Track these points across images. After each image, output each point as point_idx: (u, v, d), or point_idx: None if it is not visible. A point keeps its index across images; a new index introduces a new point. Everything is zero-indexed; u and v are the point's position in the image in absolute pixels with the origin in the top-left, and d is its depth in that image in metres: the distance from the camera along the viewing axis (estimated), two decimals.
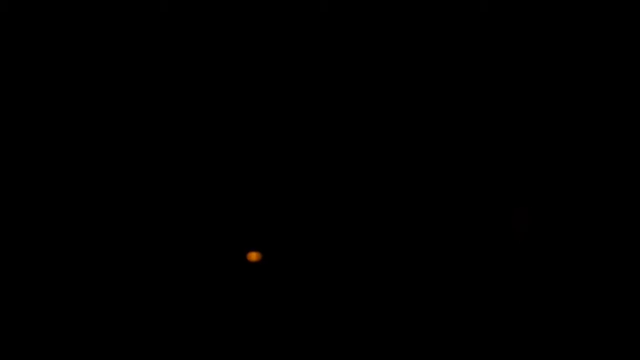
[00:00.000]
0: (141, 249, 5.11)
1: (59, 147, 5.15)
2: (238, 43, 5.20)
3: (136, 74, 5.20)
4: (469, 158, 5.13)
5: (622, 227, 4.95)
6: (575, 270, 4.94)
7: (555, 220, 5.02)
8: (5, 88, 5.11)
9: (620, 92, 5.05)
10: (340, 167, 5.14)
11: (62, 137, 5.15)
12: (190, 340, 4.95)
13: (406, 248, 5.03)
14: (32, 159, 5.11)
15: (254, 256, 5.08)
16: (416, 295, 4.95)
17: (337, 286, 5.00)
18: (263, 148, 5.21)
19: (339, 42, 5.16)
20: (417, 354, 4.83)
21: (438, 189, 5.12)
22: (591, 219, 4.99)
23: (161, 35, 5.18)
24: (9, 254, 5.03)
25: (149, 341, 4.93)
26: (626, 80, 5.04)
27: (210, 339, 4.95)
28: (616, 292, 4.86)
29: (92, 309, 4.98)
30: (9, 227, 5.05)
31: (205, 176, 5.21)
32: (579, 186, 5.04)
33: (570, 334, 4.81)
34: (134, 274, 5.07)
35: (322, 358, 4.86)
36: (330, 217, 5.10)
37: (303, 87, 5.17)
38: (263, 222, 5.12)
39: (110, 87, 5.19)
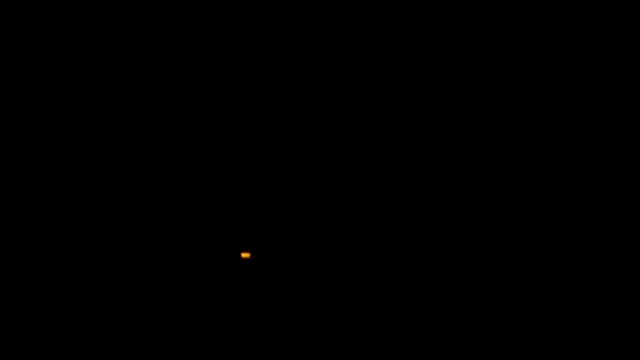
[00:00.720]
0: (136, 248, 5.11)
1: (59, 147, 5.14)
2: (238, 43, 5.20)
3: (136, 73, 5.20)
4: (469, 160, 5.13)
5: (620, 229, 4.95)
6: (574, 271, 4.94)
7: (555, 221, 5.02)
8: (5, 88, 5.11)
9: (619, 95, 5.04)
10: (338, 171, 5.14)
11: (62, 137, 5.15)
12: (185, 337, 4.96)
13: (405, 247, 5.03)
14: (32, 159, 5.11)
15: (246, 256, 5.09)
16: (414, 295, 4.96)
17: (334, 288, 5.01)
18: (260, 148, 5.21)
19: (339, 42, 5.16)
20: (415, 353, 4.83)
21: (438, 189, 5.12)
22: (590, 221, 4.99)
23: (161, 35, 5.18)
24: (9, 254, 5.03)
25: (145, 337, 4.93)
26: (626, 84, 5.03)
27: (205, 335, 4.95)
28: (615, 294, 4.86)
29: (90, 306, 4.99)
30: (9, 227, 5.05)
31: (201, 176, 5.21)
32: (578, 188, 5.04)
33: (570, 334, 4.81)
34: (129, 272, 5.07)
35: (317, 356, 4.87)
36: (329, 221, 5.10)
37: (302, 87, 5.17)
38: (257, 222, 5.12)
39: (110, 86, 5.18)
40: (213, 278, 5.09)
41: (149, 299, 5.04)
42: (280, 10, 5.15)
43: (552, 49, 5.08)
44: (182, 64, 5.20)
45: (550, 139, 5.07)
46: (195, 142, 5.23)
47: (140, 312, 5.00)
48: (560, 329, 4.82)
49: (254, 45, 5.20)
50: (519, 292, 4.92)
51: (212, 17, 5.17)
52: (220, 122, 5.23)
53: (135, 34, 5.16)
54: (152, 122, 5.22)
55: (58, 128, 5.15)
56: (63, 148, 5.15)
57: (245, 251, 5.11)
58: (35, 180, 5.11)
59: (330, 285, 5.00)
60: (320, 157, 5.13)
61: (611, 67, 5.03)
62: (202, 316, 5.00)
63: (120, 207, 5.15)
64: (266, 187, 5.13)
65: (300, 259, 5.05)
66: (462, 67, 5.14)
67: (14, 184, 5.09)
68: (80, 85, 5.17)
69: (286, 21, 5.16)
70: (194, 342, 4.95)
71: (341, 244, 5.06)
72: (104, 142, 5.18)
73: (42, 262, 5.05)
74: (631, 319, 4.78)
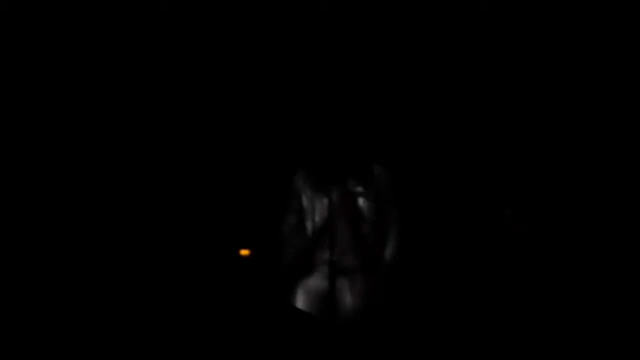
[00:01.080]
0: (134, 247, 5.12)
1: (59, 146, 5.16)
2: (238, 43, 5.21)
3: (136, 73, 5.21)
4: (469, 160, 5.14)
5: (620, 229, 4.94)
6: (574, 271, 4.94)
7: (555, 221, 5.02)
8: (5, 88, 5.12)
9: (619, 95, 5.04)
10: (338, 170, 5.14)
11: (61, 137, 5.16)
12: (184, 336, 4.96)
13: (404, 247, 5.02)
14: (31, 159, 5.12)
15: (244, 253, 5.10)
16: (414, 295, 4.95)
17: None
18: (260, 148, 5.22)
19: (339, 42, 5.16)
20: (415, 353, 4.83)
21: (438, 189, 5.12)
22: (590, 220, 4.99)
23: (161, 35, 5.19)
24: (9, 254, 5.04)
25: (144, 337, 4.94)
26: (625, 83, 5.03)
27: (204, 334, 4.96)
28: (615, 294, 4.86)
29: (89, 305, 5.00)
30: (9, 227, 5.06)
31: (200, 175, 5.22)
32: (577, 188, 5.04)
33: (570, 333, 4.81)
34: (126, 271, 5.08)
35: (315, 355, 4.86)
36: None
37: (302, 87, 5.17)
38: (255, 220, 5.13)
39: (109, 86, 5.20)
40: (212, 276, 5.10)
41: (148, 297, 5.04)
42: (281, 10, 5.17)
43: (552, 49, 5.08)
44: (182, 64, 5.22)
45: (550, 139, 5.07)
46: (195, 142, 5.24)
47: (139, 311, 5.01)
48: (560, 328, 4.81)
49: (254, 45, 5.21)
50: (519, 292, 4.92)
51: (212, 17, 5.18)
52: (220, 122, 5.24)
53: (135, 34, 5.18)
54: (152, 122, 5.23)
55: (58, 128, 5.16)
56: (63, 148, 5.16)
57: (244, 249, 5.12)
58: (35, 180, 5.12)
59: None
60: (319, 157, 5.13)
61: (611, 67, 5.03)
62: (201, 315, 5.00)
63: (119, 206, 5.16)
64: (265, 186, 5.14)
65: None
66: (462, 67, 5.14)
67: (14, 184, 5.10)
68: (80, 86, 5.19)
69: (286, 21, 5.17)
70: (194, 342, 4.95)
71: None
72: (104, 141, 5.19)
73: (42, 262, 5.06)
74: (631, 319, 4.77)
